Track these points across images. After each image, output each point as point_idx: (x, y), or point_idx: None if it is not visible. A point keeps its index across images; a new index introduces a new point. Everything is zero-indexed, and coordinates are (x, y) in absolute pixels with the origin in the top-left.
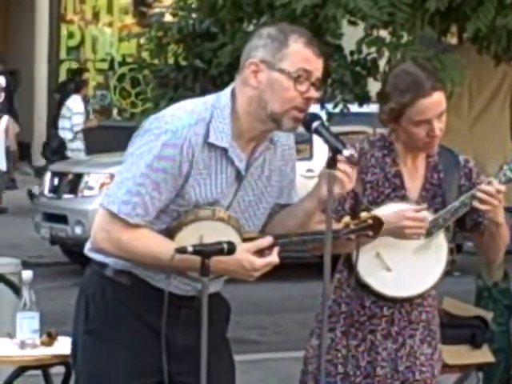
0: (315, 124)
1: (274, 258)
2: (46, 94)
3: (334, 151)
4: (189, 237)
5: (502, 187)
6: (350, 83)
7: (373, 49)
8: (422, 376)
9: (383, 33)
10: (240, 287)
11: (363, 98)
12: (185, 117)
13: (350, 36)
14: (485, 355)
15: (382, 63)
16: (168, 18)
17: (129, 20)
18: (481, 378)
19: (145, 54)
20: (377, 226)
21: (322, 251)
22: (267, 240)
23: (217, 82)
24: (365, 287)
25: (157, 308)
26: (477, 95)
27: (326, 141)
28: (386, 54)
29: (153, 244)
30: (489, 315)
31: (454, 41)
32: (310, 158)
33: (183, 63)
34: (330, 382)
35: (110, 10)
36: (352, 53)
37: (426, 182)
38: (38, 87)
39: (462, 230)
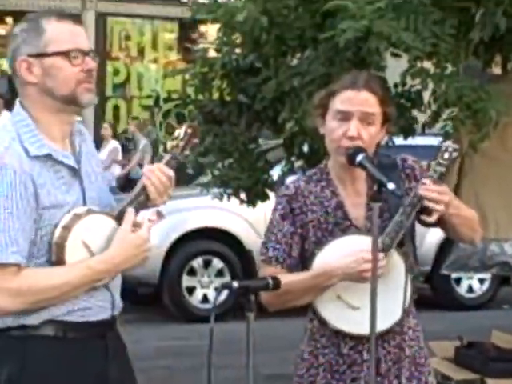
0: (359, 157)
1: (146, 222)
2: (92, 132)
3: (379, 184)
4: (75, 251)
5: (443, 188)
6: (395, 116)
7: (417, 80)
8: None
9: (427, 64)
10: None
11: (408, 131)
12: None
13: (394, 68)
14: None
15: (427, 95)
16: (212, 53)
17: (174, 56)
18: None
19: (189, 90)
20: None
21: None
22: (130, 211)
23: (261, 117)
24: (339, 333)
25: (84, 348)
26: None
27: (371, 174)
28: (431, 85)
29: (54, 273)
30: None
31: (498, 70)
32: None
33: (227, 98)
34: None
35: (154, 47)
36: (396, 85)
37: (369, 203)
38: (85, 126)
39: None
